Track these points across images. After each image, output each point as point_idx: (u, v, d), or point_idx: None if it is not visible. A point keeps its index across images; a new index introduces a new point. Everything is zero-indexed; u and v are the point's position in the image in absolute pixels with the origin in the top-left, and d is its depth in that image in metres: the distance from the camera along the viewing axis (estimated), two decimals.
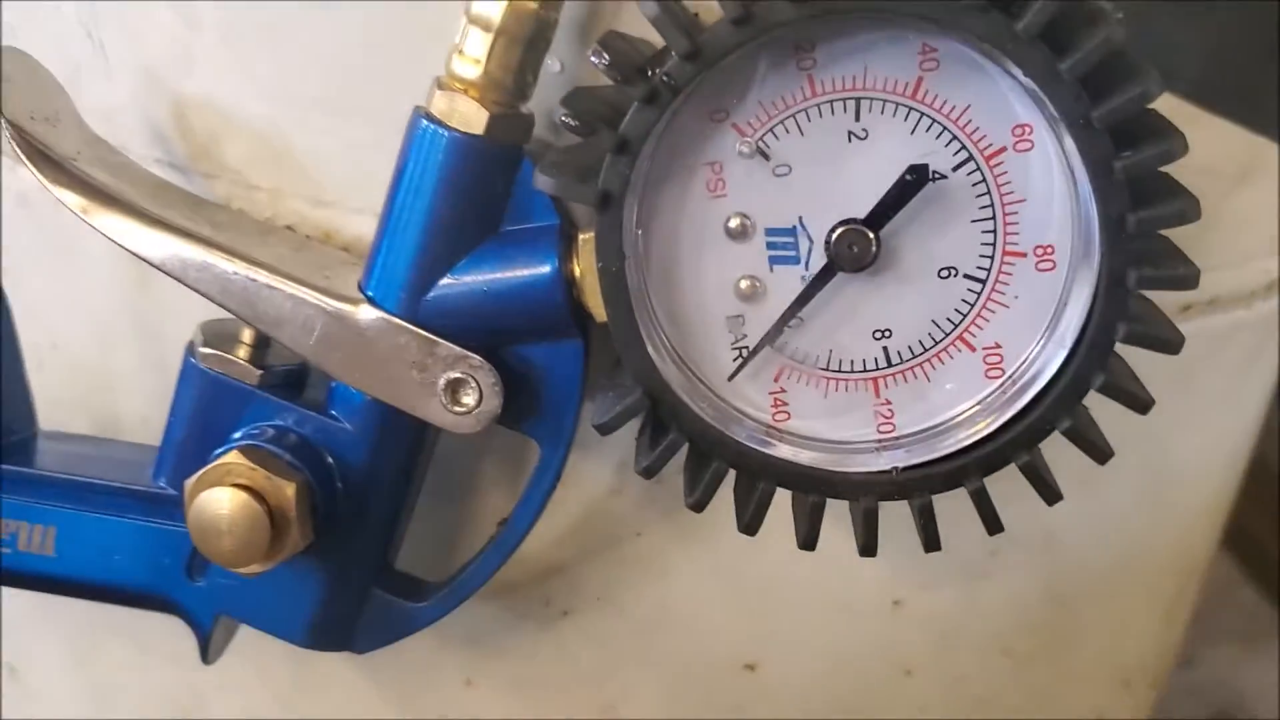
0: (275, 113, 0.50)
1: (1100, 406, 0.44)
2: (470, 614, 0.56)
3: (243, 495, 0.45)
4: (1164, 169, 0.41)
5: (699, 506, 0.43)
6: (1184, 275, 0.39)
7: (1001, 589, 0.59)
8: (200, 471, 0.46)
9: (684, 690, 0.58)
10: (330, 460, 0.47)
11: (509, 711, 0.58)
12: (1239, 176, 0.55)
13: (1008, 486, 0.44)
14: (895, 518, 0.45)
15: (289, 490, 0.45)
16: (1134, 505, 0.61)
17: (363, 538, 0.48)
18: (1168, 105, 0.52)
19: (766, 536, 0.46)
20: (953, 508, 0.44)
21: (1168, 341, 0.40)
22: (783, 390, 0.44)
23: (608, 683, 0.58)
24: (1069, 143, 0.39)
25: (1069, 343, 0.41)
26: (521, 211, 0.44)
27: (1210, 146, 0.54)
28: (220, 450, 0.47)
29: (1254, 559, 1.19)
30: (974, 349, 0.43)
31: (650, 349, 0.42)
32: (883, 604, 0.58)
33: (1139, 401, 0.41)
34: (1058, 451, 0.45)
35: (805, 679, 0.59)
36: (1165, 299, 0.49)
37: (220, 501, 0.45)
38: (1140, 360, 0.44)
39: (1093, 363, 0.40)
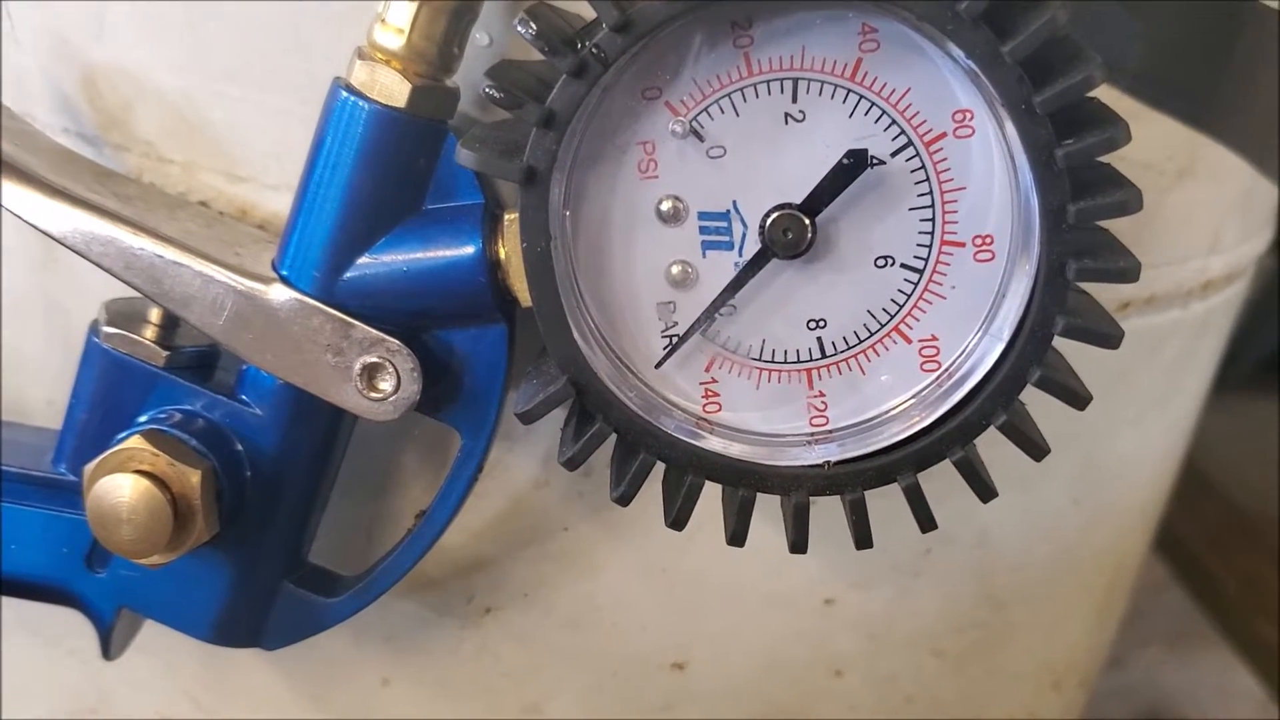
0: (189, 83, 0.48)
1: (1033, 404, 0.43)
2: (389, 610, 0.54)
3: (144, 482, 0.42)
4: (1106, 160, 0.40)
5: (625, 500, 0.41)
6: (1125, 268, 0.38)
7: (933, 588, 0.59)
8: (100, 456, 0.43)
9: (610, 689, 0.57)
10: (239, 447, 0.45)
11: (428, 712, 0.56)
12: (1179, 174, 0.55)
13: (941, 484, 0.43)
14: (827, 515, 0.43)
15: (194, 478, 0.42)
16: (1068, 504, 0.60)
17: (273, 529, 0.46)
18: (1109, 99, 0.52)
19: (696, 533, 0.45)
20: (885, 505, 0.43)
21: (1106, 335, 0.39)
22: (714, 381, 0.42)
23: (531, 682, 0.56)
24: (1010, 129, 0.38)
25: (1006, 335, 0.40)
26: (445, 190, 0.43)
27: (1151, 142, 0.53)
28: (123, 434, 0.44)
29: (1181, 561, 1.20)
30: (910, 341, 0.41)
31: (576, 335, 0.40)
32: (814, 602, 0.57)
33: (1077, 397, 0.40)
34: (990, 449, 0.44)
35: (734, 678, 0.58)
36: (1103, 297, 0.48)
37: (120, 488, 0.42)
38: (1076, 360, 0.43)
39: (1030, 356, 0.39)
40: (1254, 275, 1.23)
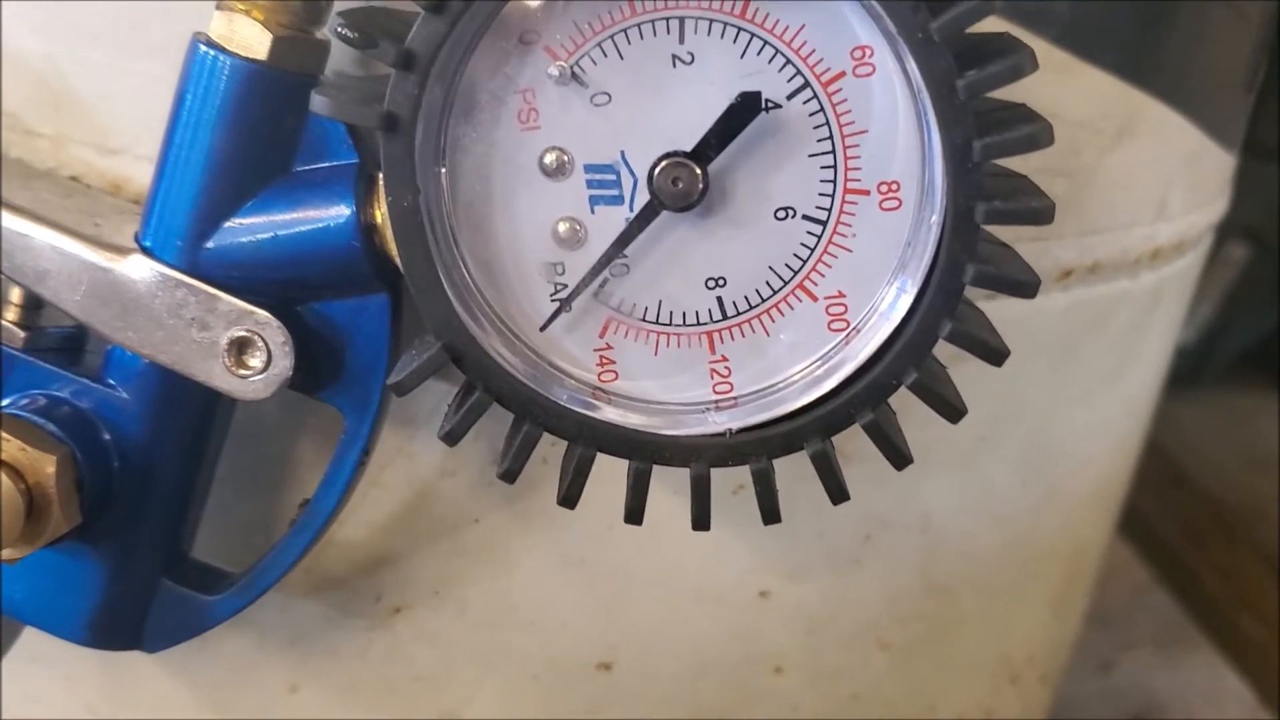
0: (54, 48, 0.45)
1: (971, 381, 0.40)
2: (293, 612, 0.51)
3: None
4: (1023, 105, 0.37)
5: (509, 476, 0.38)
6: (1037, 209, 0.35)
7: (876, 577, 0.55)
8: None
9: (532, 693, 0.53)
10: (105, 433, 0.42)
11: (338, 719, 0.53)
12: (1117, 133, 0.52)
13: (880, 465, 0.40)
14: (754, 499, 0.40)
15: (48, 465, 0.39)
16: (1015, 487, 0.57)
17: (146, 521, 0.43)
18: (1040, 54, 0.49)
19: (615, 522, 0.42)
20: (818, 489, 0.40)
21: (1021, 284, 0.36)
22: (609, 347, 0.39)
23: (447, 686, 0.53)
24: (912, 66, 0.35)
25: (915, 288, 0.37)
26: (317, 150, 0.40)
27: (1085, 99, 0.51)
28: None
29: (1163, 562, 1.18)
30: (815, 298, 0.38)
31: (453, 298, 0.37)
32: (748, 595, 0.54)
33: (993, 351, 0.37)
34: (927, 429, 0.41)
35: (665, 678, 0.54)
36: (1043, 265, 0.45)
37: None
38: (1016, 333, 0.40)
39: (940, 309, 0.36)
40: (1227, 267, 1.20)
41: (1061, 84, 0.49)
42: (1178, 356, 0.70)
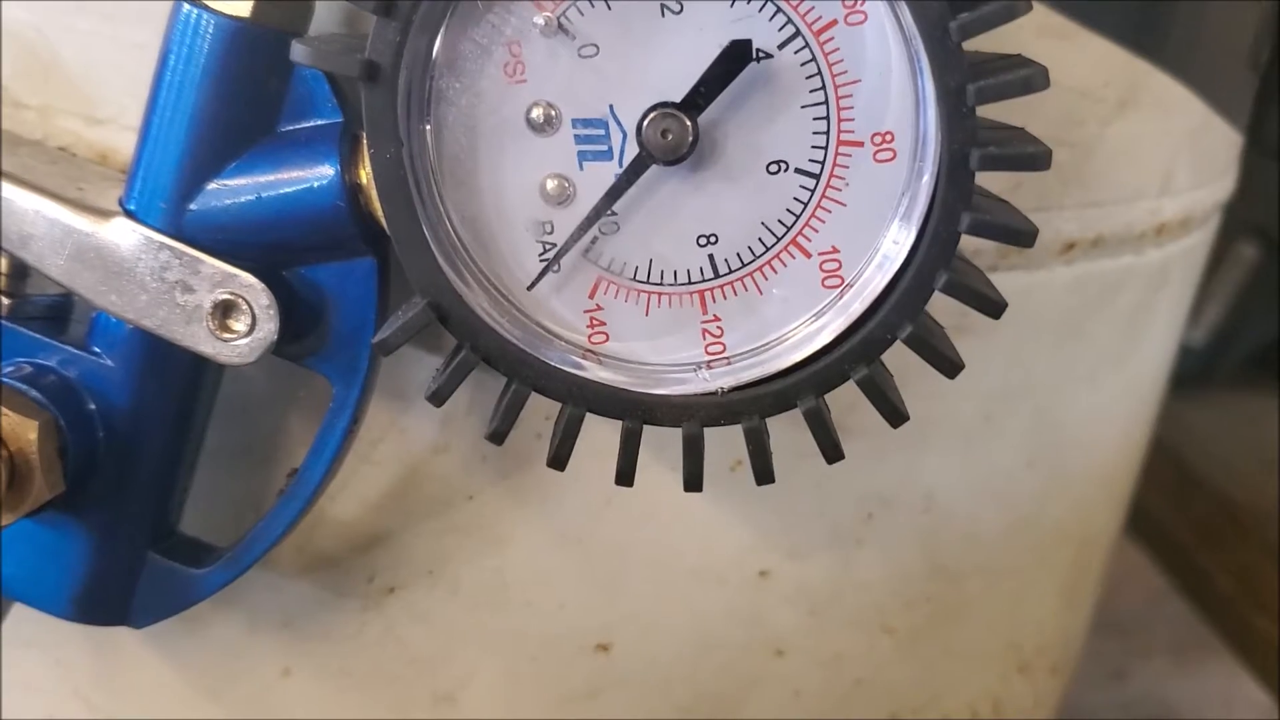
0: (41, 18, 0.44)
1: (973, 355, 0.39)
2: (285, 594, 0.50)
3: None
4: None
5: (497, 437, 0.38)
6: (1033, 154, 0.34)
7: (878, 558, 0.54)
8: None
9: (529, 674, 0.52)
10: (90, 402, 0.41)
11: (333, 704, 0.52)
12: (1120, 103, 0.51)
13: (881, 438, 0.39)
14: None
15: (30, 431, 0.39)
16: (1020, 467, 0.56)
17: (132, 492, 0.42)
18: (1038, 19, 0.48)
19: (615, 496, 0.41)
20: (819, 465, 0.39)
21: (1018, 232, 0.35)
22: (599, 308, 0.39)
23: (443, 668, 0.52)
24: (905, 12, 0.35)
25: (910, 239, 0.36)
26: (301, 110, 0.39)
27: (1086, 67, 0.50)
28: None
29: (1178, 566, 1.16)
30: (809, 255, 0.38)
31: (439, 255, 0.37)
32: (748, 574, 0.53)
33: (989, 303, 0.36)
34: (928, 403, 0.40)
35: (665, 660, 0.53)
36: (1045, 239, 0.44)
37: None
38: (1017, 303, 0.39)
39: (936, 260, 0.35)
40: (1236, 268, 1.19)
41: (1061, 50, 0.49)
42: (1188, 358, 0.69)
